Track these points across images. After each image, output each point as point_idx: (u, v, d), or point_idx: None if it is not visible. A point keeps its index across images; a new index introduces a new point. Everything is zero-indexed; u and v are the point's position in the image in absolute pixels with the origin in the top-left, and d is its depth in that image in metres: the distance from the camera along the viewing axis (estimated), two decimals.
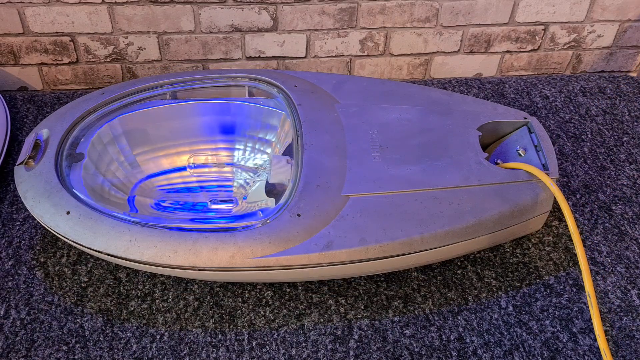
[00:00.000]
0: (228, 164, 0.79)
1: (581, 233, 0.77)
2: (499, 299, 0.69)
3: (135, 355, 0.62)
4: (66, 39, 0.94)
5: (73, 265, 0.71)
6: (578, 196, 0.81)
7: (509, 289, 0.70)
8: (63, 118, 0.74)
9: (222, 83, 0.80)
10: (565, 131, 0.92)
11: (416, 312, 0.67)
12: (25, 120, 0.91)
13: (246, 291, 0.69)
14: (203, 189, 0.78)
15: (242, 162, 0.79)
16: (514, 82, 1.03)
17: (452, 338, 0.65)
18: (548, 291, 0.70)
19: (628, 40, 1.06)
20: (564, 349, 0.64)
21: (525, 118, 0.78)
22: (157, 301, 0.67)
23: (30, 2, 0.90)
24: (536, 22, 1.01)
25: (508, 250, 0.74)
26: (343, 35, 0.99)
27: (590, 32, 1.04)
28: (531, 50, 1.05)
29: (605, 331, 0.66)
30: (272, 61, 1.01)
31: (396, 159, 0.70)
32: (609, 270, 0.72)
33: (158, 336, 0.64)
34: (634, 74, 1.12)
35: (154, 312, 0.66)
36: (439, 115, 0.76)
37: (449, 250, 0.67)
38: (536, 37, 1.03)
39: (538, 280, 0.71)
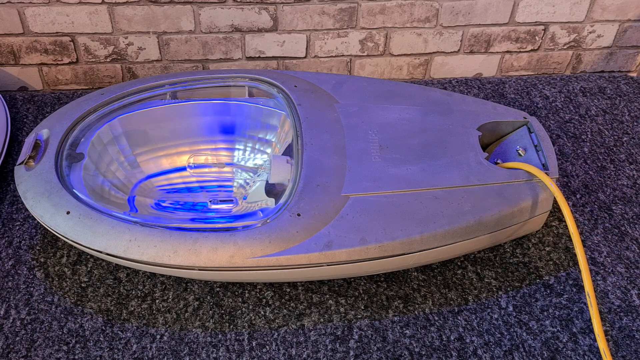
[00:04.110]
0: (228, 164, 0.79)
1: (581, 233, 0.77)
2: (499, 299, 0.69)
3: (135, 355, 0.62)
4: (66, 39, 0.94)
5: (73, 265, 0.71)
6: (578, 196, 0.81)
7: (509, 289, 0.70)
8: (63, 118, 0.74)
9: (222, 83, 0.80)
10: (565, 131, 0.92)
11: (416, 312, 0.67)
12: (25, 120, 0.91)
13: (246, 291, 0.69)
14: (203, 189, 0.78)
15: (242, 162, 0.80)
16: (514, 82, 1.03)
17: (452, 338, 0.65)
18: (548, 291, 0.70)
19: (628, 40, 1.06)
20: (564, 349, 0.64)
21: (525, 118, 0.78)
22: (157, 301, 0.67)
23: (30, 2, 0.90)
24: (536, 22, 1.01)
25: (508, 250, 0.74)
26: (343, 36, 0.99)
27: (590, 32, 1.04)
28: (531, 50, 1.05)
29: (605, 331, 0.66)
30: (272, 61, 1.01)
31: (396, 159, 0.70)
32: (609, 270, 0.72)
33: (158, 336, 0.64)
34: (634, 74, 1.12)
35: (154, 312, 0.66)
36: (439, 115, 0.76)
37: (449, 250, 0.67)
38: (536, 37, 1.03)
39: (538, 280, 0.71)
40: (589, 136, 0.91)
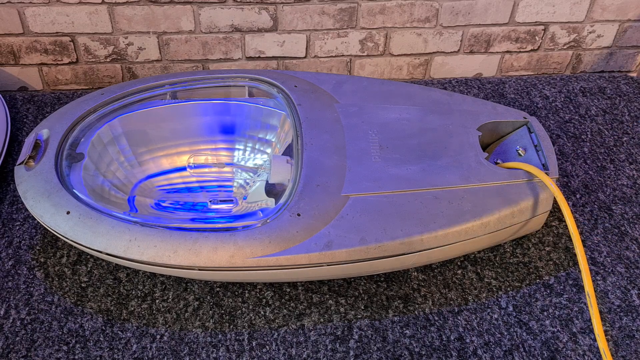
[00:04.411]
0: (228, 164, 0.79)
1: (581, 233, 0.77)
2: (499, 299, 0.69)
3: (135, 355, 0.62)
4: (66, 39, 0.94)
5: (73, 265, 0.71)
6: (578, 196, 0.81)
7: (509, 289, 0.70)
8: (63, 118, 0.74)
9: (222, 83, 0.80)
10: (565, 131, 0.92)
11: (416, 312, 0.67)
12: (25, 120, 0.91)
13: (246, 291, 0.69)
14: (203, 189, 0.78)
15: (242, 162, 0.80)
16: (513, 82, 1.03)
17: (452, 338, 0.65)
18: (548, 291, 0.70)
19: (628, 40, 1.06)
20: (564, 349, 0.64)
21: (525, 118, 0.78)
22: (157, 301, 0.67)
23: (30, 2, 0.90)
24: (536, 22, 1.01)
25: (508, 250, 0.74)
26: (343, 36, 0.99)
27: (590, 32, 1.04)
28: (531, 50, 1.05)
29: (605, 331, 0.66)
30: (272, 61, 1.01)
31: (396, 159, 0.70)
32: (609, 270, 0.72)
33: (158, 336, 0.64)
34: (634, 74, 1.12)
35: (154, 312, 0.66)
36: (439, 115, 0.76)
37: (449, 250, 0.67)
38: (536, 37, 1.03)
39: (538, 280, 0.71)
40: (589, 136, 0.91)
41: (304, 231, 0.62)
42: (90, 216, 0.63)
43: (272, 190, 0.73)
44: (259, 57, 1.00)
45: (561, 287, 0.70)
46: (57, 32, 0.93)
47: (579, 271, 0.72)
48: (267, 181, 0.74)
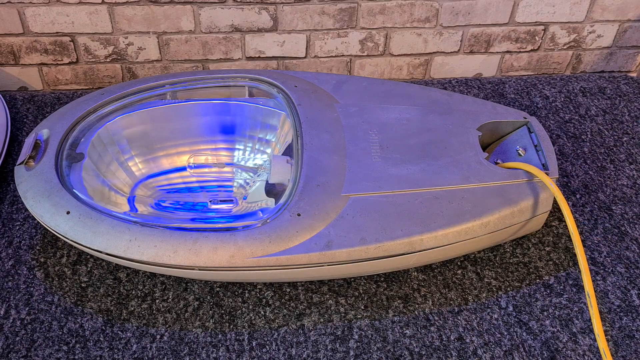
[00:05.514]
0: (228, 164, 0.79)
1: (581, 233, 0.77)
2: (499, 299, 0.69)
3: (135, 355, 0.62)
4: (66, 39, 0.94)
5: (73, 265, 0.71)
6: (578, 196, 0.81)
7: (509, 289, 0.70)
8: (63, 118, 0.74)
9: (222, 83, 0.80)
10: (565, 131, 0.92)
11: (416, 312, 0.67)
12: (25, 120, 0.91)
13: (246, 291, 0.69)
14: (203, 189, 0.78)
15: (242, 162, 0.80)
16: (514, 82, 1.03)
17: (452, 338, 0.65)
18: (548, 291, 0.70)
19: (628, 40, 1.06)
20: (564, 349, 0.64)
21: (525, 118, 0.78)
22: (157, 301, 0.67)
23: (30, 2, 0.90)
24: (536, 22, 1.01)
25: (508, 250, 0.74)
26: (343, 36, 0.99)
27: (590, 32, 1.04)
28: (531, 50, 1.05)
29: (605, 331, 0.66)
30: (272, 61, 1.01)
31: (396, 159, 0.70)
32: (609, 270, 0.72)
33: (158, 336, 0.64)
34: (634, 74, 1.12)
35: (154, 312, 0.66)
36: (439, 115, 0.76)
37: (449, 250, 0.67)
38: (536, 37, 1.03)
39: (538, 280, 0.71)
40: (589, 136, 0.91)
41: (304, 231, 0.62)
42: (90, 216, 0.63)
43: (272, 190, 0.73)
44: (259, 57, 1.00)
45: (561, 287, 0.70)
46: (57, 32, 0.93)
47: (579, 271, 0.72)
48: (267, 181, 0.74)
